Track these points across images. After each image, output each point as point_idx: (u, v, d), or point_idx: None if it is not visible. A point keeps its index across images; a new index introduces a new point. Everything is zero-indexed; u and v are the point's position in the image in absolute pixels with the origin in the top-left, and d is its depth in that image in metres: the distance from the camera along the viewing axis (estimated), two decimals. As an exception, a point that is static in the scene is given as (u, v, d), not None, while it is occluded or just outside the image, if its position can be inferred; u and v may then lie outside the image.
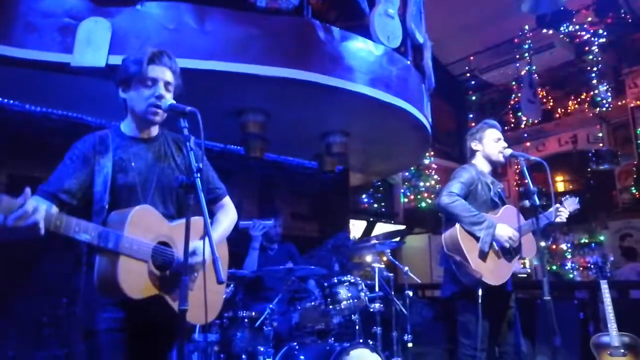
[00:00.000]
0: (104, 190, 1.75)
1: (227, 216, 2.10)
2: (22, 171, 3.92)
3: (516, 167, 9.68)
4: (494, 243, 2.86)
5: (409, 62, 4.40)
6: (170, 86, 1.88)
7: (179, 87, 1.93)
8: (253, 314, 3.46)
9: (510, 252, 2.93)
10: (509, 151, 3.08)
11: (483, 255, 2.82)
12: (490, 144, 3.10)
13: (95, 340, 1.72)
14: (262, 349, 3.28)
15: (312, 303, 3.62)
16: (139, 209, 1.72)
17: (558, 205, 3.08)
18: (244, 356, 3.33)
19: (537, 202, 2.67)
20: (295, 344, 3.43)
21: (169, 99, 1.86)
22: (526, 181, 2.80)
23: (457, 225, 2.88)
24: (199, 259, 1.74)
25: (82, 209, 1.75)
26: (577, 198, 3.16)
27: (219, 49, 3.31)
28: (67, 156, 1.81)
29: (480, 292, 2.75)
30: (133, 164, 1.83)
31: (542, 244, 3.08)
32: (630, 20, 8.50)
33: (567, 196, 3.18)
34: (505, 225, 2.86)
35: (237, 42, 3.37)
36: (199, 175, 1.63)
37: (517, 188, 9.83)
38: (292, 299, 3.99)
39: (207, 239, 1.60)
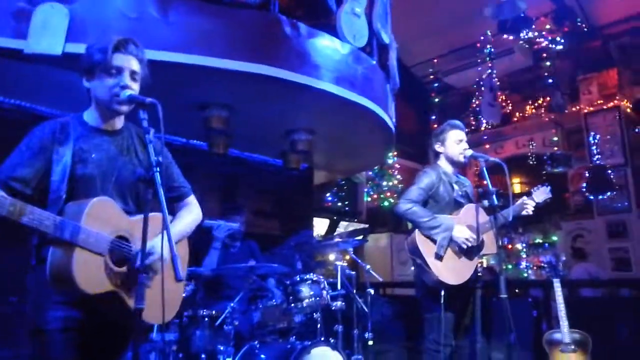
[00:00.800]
0: (61, 180, 1.68)
1: (190, 214, 2.05)
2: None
3: (475, 168, 9.92)
4: (452, 244, 2.93)
5: (374, 62, 4.43)
6: (137, 75, 1.83)
7: (145, 77, 1.87)
8: (213, 312, 3.41)
9: (472, 250, 3.00)
10: (469, 152, 3.16)
11: (440, 257, 2.89)
12: (452, 145, 3.18)
13: (44, 340, 1.63)
14: (222, 348, 3.23)
15: (274, 302, 3.60)
16: (97, 201, 1.66)
17: (525, 197, 3.18)
18: (203, 355, 3.27)
19: (496, 202, 2.74)
20: (256, 342, 3.40)
21: (135, 89, 1.80)
22: (485, 182, 2.87)
23: (416, 230, 2.95)
24: (156, 257, 1.68)
25: (36, 198, 1.67)
26: (549, 187, 3.25)
27: (183, 41, 3.23)
28: (24, 142, 1.73)
29: (442, 292, 2.82)
30: (93, 155, 1.77)
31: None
32: (585, 29, 8.85)
33: (538, 186, 3.26)
34: (462, 227, 2.94)
35: (202, 34, 3.30)
36: (158, 169, 1.59)
37: (475, 189, 10.07)
38: (254, 298, 3.95)
39: (165, 236, 1.56)
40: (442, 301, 2.82)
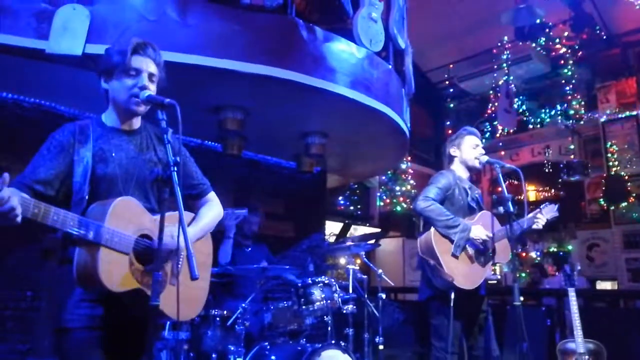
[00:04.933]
0: (83, 181, 1.71)
1: (211, 211, 2.06)
2: (-10, 159, 3.78)
3: (489, 175, 9.85)
4: (468, 246, 2.91)
5: (390, 67, 4.43)
6: (154, 78, 1.85)
7: (162, 80, 1.90)
8: (225, 312, 3.43)
9: (484, 257, 2.97)
10: (485, 158, 3.14)
11: (456, 259, 2.87)
12: (467, 150, 3.17)
13: (68, 338, 1.66)
14: (232, 348, 3.25)
15: (285, 303, 3.62)
16: (120, 201, 1.68)
17: (538, 211, 3.16)
18: (214, 355, 3.29)
19: (511, 209, 2.72)
20: (266, 344, 3.41)
21: (152, 90, 1.83)
22: (500, 189, 2.85)
23: (432, 229, 2.92)
24: (171, 244, 1.69)
25: (60, 200, 1.70)
26: (557, 205, 3.23)
27: (200, 43, 3.26)
28: (45, 146, 1.76)
29: (452, 295, 2.79)
30: (114, 154, 1.79)
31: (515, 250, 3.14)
32: (604, 37, 8.75)
33: (547, 203, 3.24)
34: (479, 227, 2.92)
35: (219, 37, 3.33)
36: (175, 168, 1.61)
37: (490, 196, 9.99)
38: (265, 299, 3.97)
39: (182, 233, 1.57)
40: (451, 305, 2.78)
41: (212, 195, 2.12)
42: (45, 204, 1.51)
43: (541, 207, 3.21)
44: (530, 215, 3.12)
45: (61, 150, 1.74)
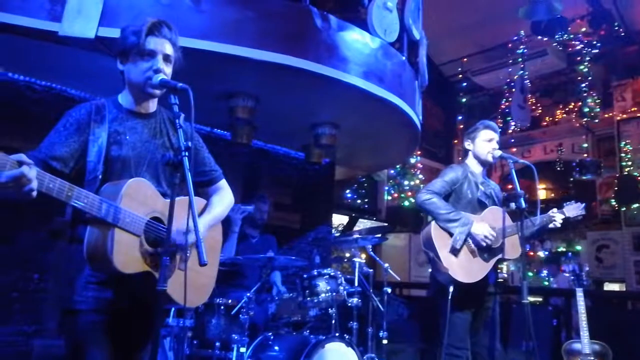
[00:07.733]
0: (97, 161, 1.71)
1: (223, 200, 2.06)
2: (1, 141, 3.79)
3: (501, 172, 9.76)
4: (470, 240, 2.87)
5: (404, 58, 4.37)
6: (170, 59, 1.83)
7: (178, 60, 1.87)
8: (229, 301, 3.43)
9: (488, 252, 2.93)
10: (498, 152, 3.11)
11: (455, 252, 2.84)
12: (481, 143, 3.13)
13: (74, 320, 1.65)
14: (236, 337, 3.24)
15: (290, 294, 3.61)
16: (134, 182, 1.68)
17: (555, 209, 3.12)
18: (217, 343, 3.29)
19: (523, 205, 2.68)
20: (270, 334, 3.41)
21: (168, 72, 1.81)
22: (510, 186, 2.81)
23: (432, 222, 2.92)
24: (192, 240, 1.70)
25: (73, 178, 1.68)
26: (584, 204, 3.18)
27: (213, 29, 3.22)
28: (61, 123, 1.75)
29: (451, 289, 2.77)
30: (128, 137, 1.79)
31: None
32: (622, 34, 8.59)
33: (572, 201, 3.20)
34: (482, 224, 2.88)
35: (232, 23, 3.29)
36: (186, 153, 1.60)
37: (502, 192, 9.91)
38: (270, 289, 3.96)
39: (192, 221, 1.56)
40: (449, 297, 2.76)
41: (223, 183, 2.11)
42: (60, 179, 1.50)
43: (564, 204, 3.17)
44: (548, 213, 3.09)
45: (77, 128, 1.73)
